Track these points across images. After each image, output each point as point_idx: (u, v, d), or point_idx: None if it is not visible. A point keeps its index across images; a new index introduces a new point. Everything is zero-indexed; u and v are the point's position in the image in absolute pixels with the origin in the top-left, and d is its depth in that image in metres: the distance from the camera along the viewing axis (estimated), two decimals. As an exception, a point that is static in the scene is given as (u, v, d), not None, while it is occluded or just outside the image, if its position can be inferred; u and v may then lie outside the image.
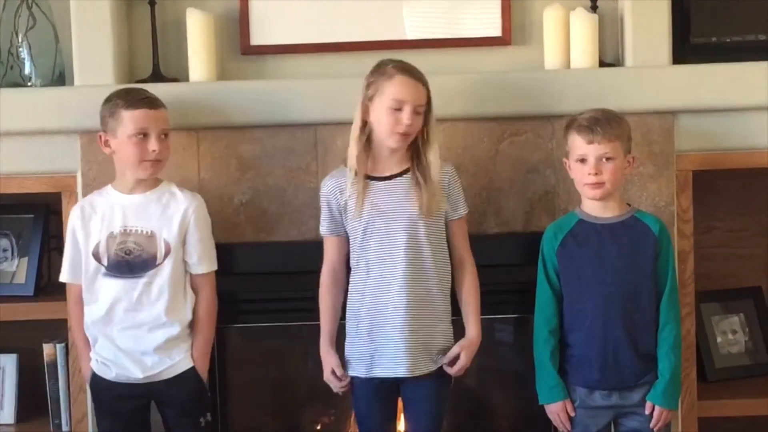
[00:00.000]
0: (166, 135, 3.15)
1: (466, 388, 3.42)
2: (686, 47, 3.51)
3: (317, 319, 3.26)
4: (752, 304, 3.79)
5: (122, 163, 3.16)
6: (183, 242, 3.16)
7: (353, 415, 3.49)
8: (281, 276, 3.46)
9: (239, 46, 3.58)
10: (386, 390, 3.16)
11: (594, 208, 3.12)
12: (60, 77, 3.57)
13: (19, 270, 3.68)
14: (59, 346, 3.53)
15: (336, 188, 3.14)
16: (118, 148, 3.13)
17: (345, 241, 3.17)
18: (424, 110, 3.09)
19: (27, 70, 3.55)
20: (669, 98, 3.35)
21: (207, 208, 3.24)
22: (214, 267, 3.24)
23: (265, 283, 3.48)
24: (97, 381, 3.18)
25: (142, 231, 3.14)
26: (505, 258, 3.39)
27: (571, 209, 3.27)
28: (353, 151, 3.11)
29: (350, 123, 3.33)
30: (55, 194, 3.48)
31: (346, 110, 3.31)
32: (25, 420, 3.64)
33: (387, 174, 3.12)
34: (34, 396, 3.61)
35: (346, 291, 3.19)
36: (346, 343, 3.18)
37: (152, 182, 3.19)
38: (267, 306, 3.52)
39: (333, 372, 3.15)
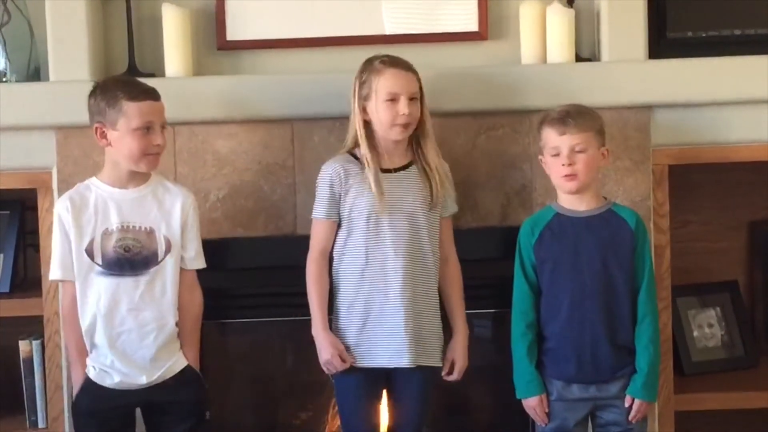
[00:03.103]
0: (164, 127, 3.06)
1: (445, 383, 3.41)
2: (662, 42, 3.52)
3: (296, 314, 3.26)
4: (728, 297, 3.81)
5: (120, 156, 3.01)
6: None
7: (331, 410, 3.50)
8: (259, 271, 3.46)
9: (215, 42, 3.57)
10: (373, 381, 3.17)
11: (570, 201, 3.12)
12: (35, 72, 3.55)
13: (-6, 266, 3.65)
14: (35, 343, 3.50)
15: (341, 173, 3.13)
16: (118, 140, 2.99)
17: (336, 227, 3.16)
18: (419, 99, 3.13)
19: (2, 65, 3.51)
20: (645, 93, 3.36)
21: None
22: (205, 263, 3.17)
23: (246, 279, 3.48)
24: (92, 388, 3.04)
25: (140, 227, 3.04)
26: (482, 253, 3.40)
27: (547, 203, 3.28)
28: (364, 146, 3.12)
29: (327, 118, 3.36)
30: (30, 190, 3.45)
31: (322, 106, 3.33)
32: (1, 417, 3.60)
33: (394, 167, 3.15)
34: (10, 393, 3.58)
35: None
36: (337, 333, 3.15)
37: (145, 176, 3.08)
38: (246, 302, 3.52)
39: (338, 355, 3.12)
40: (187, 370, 3.09)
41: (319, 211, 3.16)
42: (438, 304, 3.20)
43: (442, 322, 3.21)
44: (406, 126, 3.10)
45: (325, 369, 3.15)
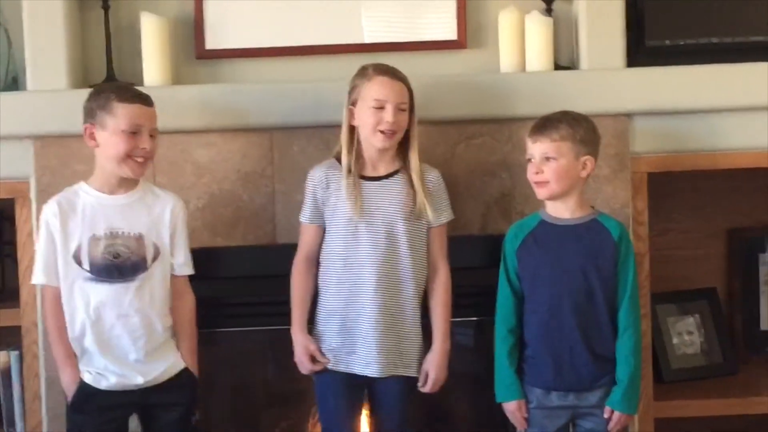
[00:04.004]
0: (153, 135, 3.06)
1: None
2: (641, 50, 3.53)
3: (276, 323, 3.26)
4: (707, 305, 3.82)
5: (107, 158, 3.01)
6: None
7: (311, 418, 3.49)
8: (239, 280, 3.45)
9: (194, 50, 3.56)
10: (354, 386, 3.17)
11: (555, 209, 3.12)
12: (13, 82, 3.54)
13: (-28, 277, 3.63)
14: (13, 354, 3.49)
15: (324, 179, 3.15)
16: (106, 141, 3.00)
17: (322, 231, 3.18)
18: (408, 110, 3.13)
19: (-21, 75, 3.51)
20: (624, 101, 3.37)
21: None
22: (193, 269, 3.18)
23: (226, 288, 3.47)
24: (87, 390, 3.04)
25: (129, 233, 3.04)
26: (462, 261, 3.38)
27: (527, 212, 3.28)
28: (345, 152, 3.13)
29: (306, 127, 3.36)
30: (8, 200, 3.43)
31: (302, 115, 3.33)
32: (-21, 428, 3.60)
33: (377, 174, 3.15)
34: (-12, 404, 3.57)
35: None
36: (317, 336, 3.17)
37: (133, 182, 3.08)
38: (226, 311, 3.51)
39: (309, 355, 3.14)
40: (183, 373, 3.10)
41: (304, 215, 3.19)
42: (419, 314, 3.19)
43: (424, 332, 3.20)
44: (390, 134, 3.09)
45: (299, 368, 3.17)
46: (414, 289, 3.16)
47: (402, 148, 3.17)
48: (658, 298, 3.63)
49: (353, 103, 3.13)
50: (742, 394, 3.56)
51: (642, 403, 3.37)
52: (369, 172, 3.15)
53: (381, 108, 3.08)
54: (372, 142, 3.11)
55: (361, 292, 3.11)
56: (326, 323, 3.16)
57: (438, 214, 3.19)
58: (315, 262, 3.20)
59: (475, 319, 3.51)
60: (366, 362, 3.11)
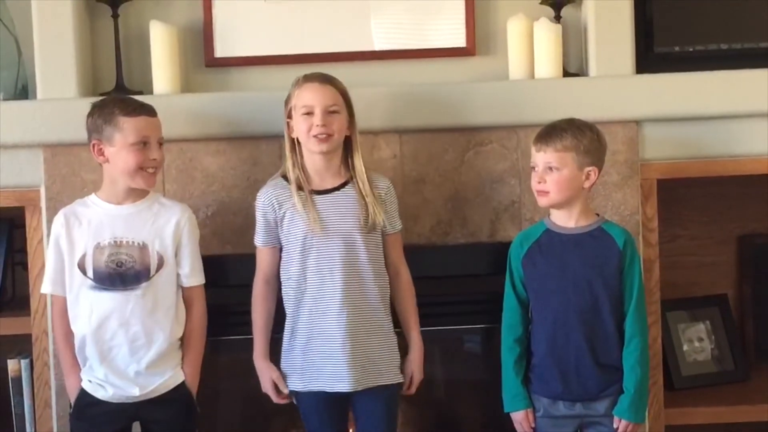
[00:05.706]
0: (161, 143, 3.09)
1: (435, 399, 3.40)
2: (650, 57, 3.53)
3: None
4: (718, 311, 3.81)
5: (118, 172, 3.04)
6: (175, 254, 3.11)
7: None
8: (249, 288, 3.45)
9: (203, 59, 3.58)
10: (335, 402, 3.14)
11: (560, 218, 3.11)
12: (23, 90, 3.55)
13: (-17, 285, 3.64)
14: (24, 362, 3.50)
15: (273, 199, 3.13)
16: (115, 156, 3.03)
17: (279, 252, 3.17)
18: (347, 113, 3.11)
19: (-11, 83, 3.52)
20: (633, 107, 3.36)
21: None
22: (204, 279, 3.18)
23: (236, 296, 3.47)
24: (86, 399, 3.07)
25: (133, 242, 3.05)
26: (471, 268, 3.39)
27: (536, 219, 3.28)
28: (290, 166, 3.12)
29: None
30: (18, 208, 3.44)
31: (311, 122, 3.33)
32: (-10, 436, 3.61)
33: (326, 187, 3.13)
34: (-1, 412, 3.59)
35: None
36: (282, 357, 3.17)
37: (141, 193, 3.10)
38: (236, 319, 3.51)
39: (273, 383, 3.15)
40: (180, 387, 3.10)
41: (258, 238, 3.18)
42: (390, 322, 3.16)
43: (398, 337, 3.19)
44: (323, 138, 3.06)
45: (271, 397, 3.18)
46: (379, 298, 3.13)
47: (347, 158, 3.16)
48: (668, 304, 3.62)
49: (289, 116, 3.12)
50: (753, 401, 3.55)
51: (652, 411, 3.38)
52: (317, 186, 3.12)
53: (310, 113, 3.06)
54: (309, 147, 3.09)
55: (325, 308, 3.08)
56: (291, 343, 3.15)
57: (392, 222, 3.18)
58: (274, 285, 3.18)
59: (483, 326, 3.50)
60: (337, 378, 3.08)
